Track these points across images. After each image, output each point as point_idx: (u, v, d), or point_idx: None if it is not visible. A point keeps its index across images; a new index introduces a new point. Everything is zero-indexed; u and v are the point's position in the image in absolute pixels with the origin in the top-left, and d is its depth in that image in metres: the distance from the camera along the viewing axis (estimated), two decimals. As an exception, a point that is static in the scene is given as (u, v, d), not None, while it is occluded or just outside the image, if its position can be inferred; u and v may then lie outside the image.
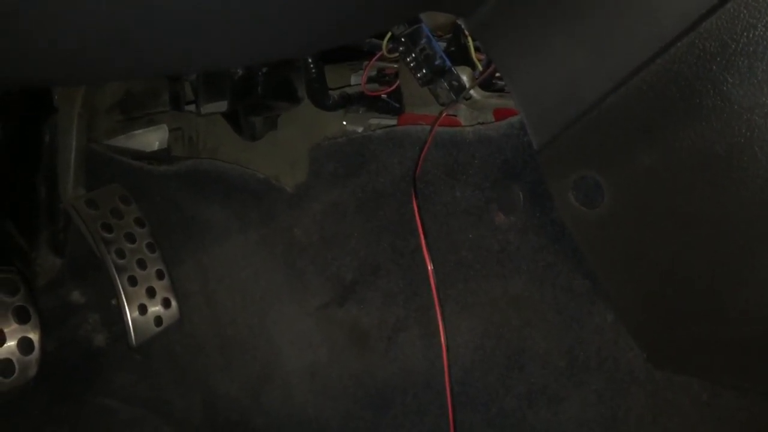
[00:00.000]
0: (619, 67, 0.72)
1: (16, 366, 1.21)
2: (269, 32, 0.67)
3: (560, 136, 0.80)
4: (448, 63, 1.09)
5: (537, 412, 1.10)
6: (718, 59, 0.65)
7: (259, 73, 1.25)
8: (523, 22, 0.79)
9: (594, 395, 1.04)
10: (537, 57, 0.79)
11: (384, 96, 1.30)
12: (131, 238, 1.44)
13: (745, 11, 0.63)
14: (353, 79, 1.40)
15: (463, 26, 0.87)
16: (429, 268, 1.09)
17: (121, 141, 1.60)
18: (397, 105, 1.28)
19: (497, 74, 1.13)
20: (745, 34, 0.63)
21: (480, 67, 1.11)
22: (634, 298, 0.88)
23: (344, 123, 1.36)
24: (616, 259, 0.86)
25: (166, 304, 1.44)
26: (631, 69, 0.72)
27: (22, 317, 1.25)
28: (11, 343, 1.22)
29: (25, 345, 1.23)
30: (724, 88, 0.66)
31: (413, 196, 1.09)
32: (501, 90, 1.15)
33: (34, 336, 1.25)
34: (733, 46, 0.64)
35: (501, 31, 0.81)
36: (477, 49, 1.12)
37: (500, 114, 1.10)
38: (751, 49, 0.63)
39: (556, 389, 1.08)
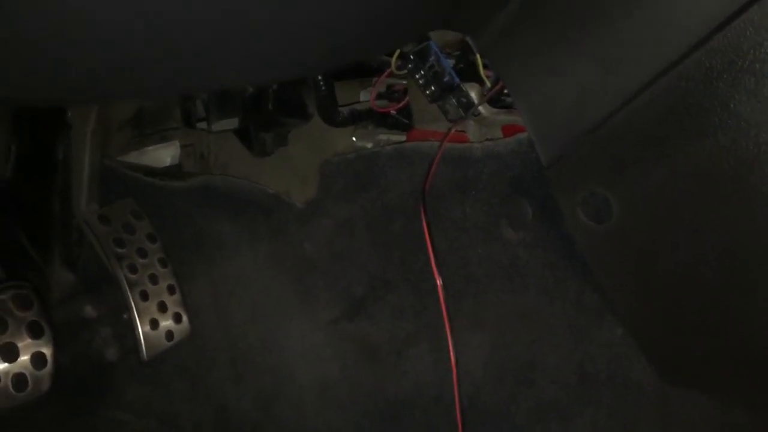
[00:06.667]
0: (627, 84, 0.73)
1: (30, 380, 1.22)
2: (283, 53, 0.68)
3: (568, 153, 0.81)
4: (457, 80, 1.10)
5: (547, 427, 1.09)
6: (725, 77, 0.66)
7: (270, 90, 1.26)
8: (531, 40, 0.79)
9: (604, 410, 1.04)
10: (545, 74, 0.80)
11: (393, 112, 1.31)
12: (143, 253, 1.45)
13: (751, 29, 0.63)
14: (363, 96, 1.40)
15: (471, 44, 0.88)
16: (438, 283, 1.09)
17: (134, 157, 1.61)
18: (407, 121, 1.29)
19: (505, 91, 1.13)
20: (751, 51, 0.64)
21: (488, 84, 1.11)
22: (644, 312, 0.88)
23: (354, 139, 1.36)
24: (626, 274, 0.86)
25: (178, 318, 1.45)
26: (638, 86, 0.72)
27: (35, 332, 1.25)
28: (24, 358, 1.23)
29: (38, 359, 1.24)
30: (731, 105, 0.66)
31: (422, 211, 1.10)
32: (509, 106, 1.15)
33: (47, 350, 1.25)
34: (740, 63, 0.65)
35: (509, 49, 0.82)
36: (485, 66, 1.12)
37: (509, 130, 1.10)
38: (757, 66, 0.64)
39: (567, 404, 1.07)
